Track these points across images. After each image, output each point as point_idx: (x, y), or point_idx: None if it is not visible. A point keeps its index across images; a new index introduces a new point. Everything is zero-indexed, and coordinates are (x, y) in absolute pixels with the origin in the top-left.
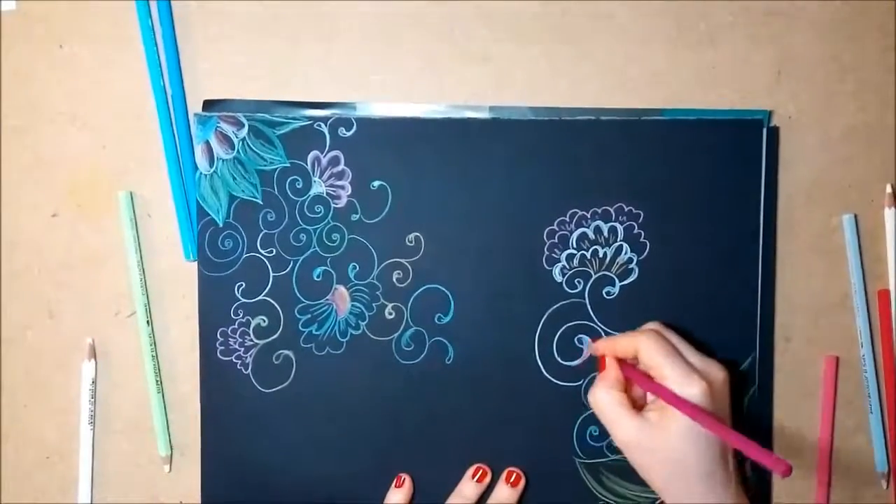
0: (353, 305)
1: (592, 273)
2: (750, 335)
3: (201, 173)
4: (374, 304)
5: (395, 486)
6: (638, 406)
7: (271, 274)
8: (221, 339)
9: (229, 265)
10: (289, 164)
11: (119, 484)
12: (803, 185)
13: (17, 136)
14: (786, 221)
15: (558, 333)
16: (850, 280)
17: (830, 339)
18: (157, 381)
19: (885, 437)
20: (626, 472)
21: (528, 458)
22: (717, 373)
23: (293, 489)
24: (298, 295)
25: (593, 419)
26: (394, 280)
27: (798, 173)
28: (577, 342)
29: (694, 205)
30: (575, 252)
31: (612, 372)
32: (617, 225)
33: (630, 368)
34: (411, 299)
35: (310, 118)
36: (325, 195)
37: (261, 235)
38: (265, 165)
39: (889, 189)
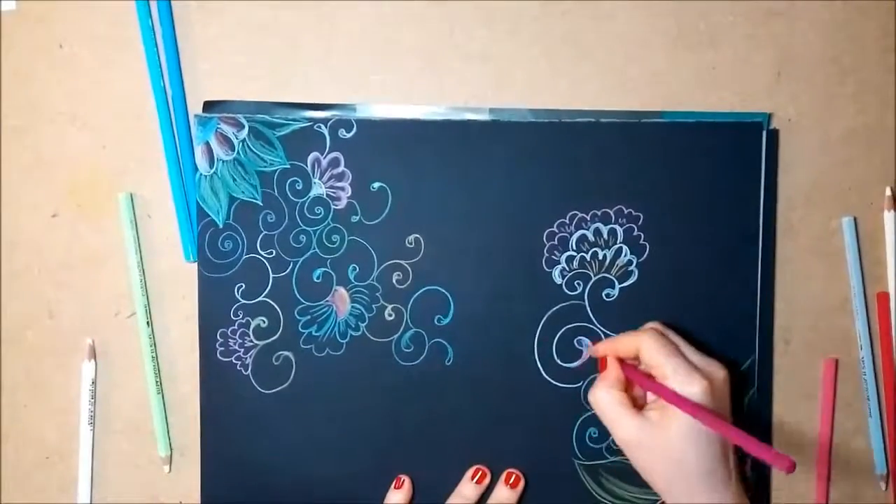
0: (352, 307)
1: (592, 275)
2: (749, 337)
3: (201, 174)
4: (373, 306)
5: (395, 487)
6: (639, 406)
7: (271, 275)
8: (221, 340)
9: (229, 266)
10: (289, 166)
11: (119, 484)
12: (803, 187)
13: (17, 136)
14: (785, 224)
15: (558, 335)
16: (849, 283)
17: (830, 341)
18: (156, 381)
19: (884, 440)
20: (626, 473)
21: (527, 460)
22: (718, 372)
23: (293, 490)
24: (298, 296)
25: (593, 421)
26: (394, 281)
27: (798, 176)
28: (576, 344)
29: (694, 207)
30: (574, 254)
31: (612, 372)
32: (617, 227)
33: (631, 368)
34: (411, 301)
35: (310, 119)
36: (325, 196)
37: (261, 237)
38: (265, 167)
39: (889, 192)
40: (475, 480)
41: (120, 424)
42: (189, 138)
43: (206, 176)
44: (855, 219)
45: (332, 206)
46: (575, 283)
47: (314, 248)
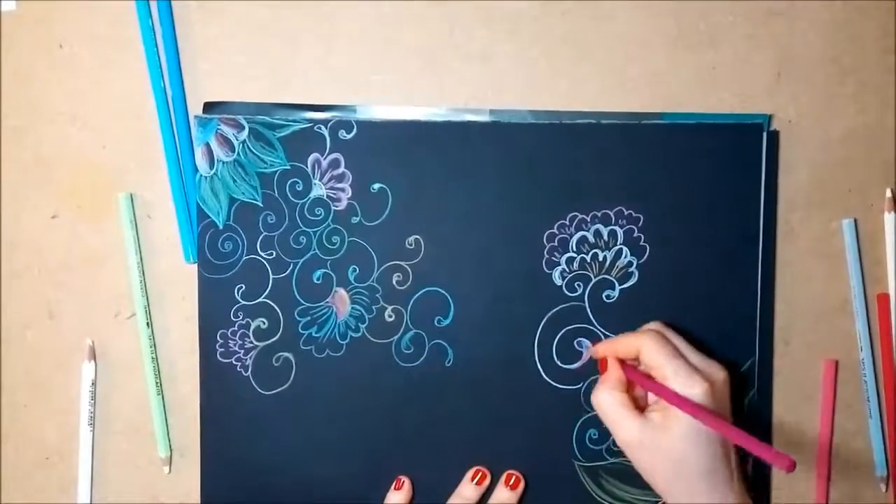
0: (352, 308)
1: (592, 276)
2: (749, 339)
3: (201, 175)
4: (373, 307)
5: (395, 488)
6: (640, 407)
7: (271, 276)
8: (221, 341)
9: (229, 267)
10: (289, 167)
11: (119, 485)
12: (803, 189)
13: (17, 136)
14: (785, 225)
15: (558, 337)
16: (849, 284)
17: (830, 342)
18: (156, 382)
19: (884, 441)
20: (626, 475)
21: (527, 461)
22: (718, 373)
23: (293, 491)
24: (298, 297)
25: (593, 422)
26: (394, 282)
27: (798, 177)
28: (576, 345)
29: (694, 208)
30: (575, 255)
31: (613, 373)
32: (617, 228)
33: (631, 369)
34: (411, 302)
35: (310, 121)
36: (325, 198)
37: (261, 238)
38: (265, 168)
39: (889, 193)
40: (475, 482)
41: (120, 425)
42: (189, 139)
43: (206, 177)
44: (855, 220)
45: (333, 208)
46: (575, 284)
47: (314, 250)
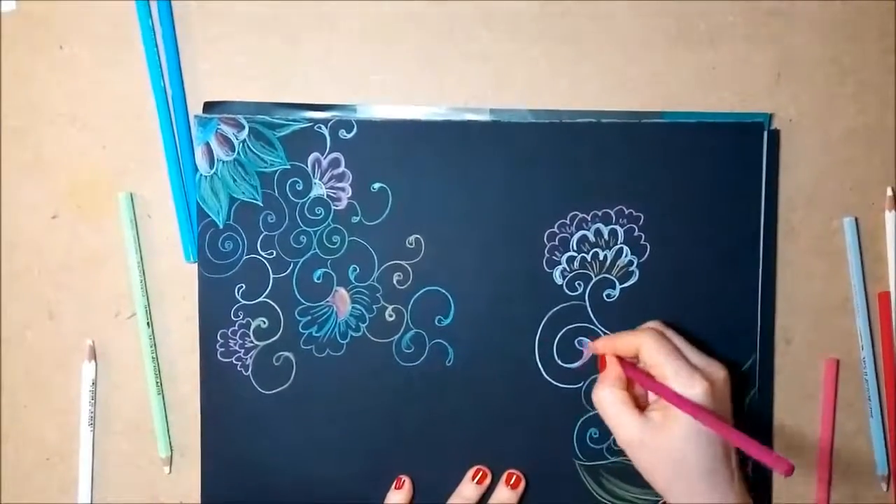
0: (353, 307)
1: (593, 275)
2: (750, 338)
3: (201, 175)
4: (374, 306)
5: (395, 488)
6: (640, 404)
7: (271, 276)
8: (221, 341)
9: (229, 267)
10: (289, 166)
11: (119, 485)
12: (804, 187)
13: (17, 136)
14: (786, 224)
15: (558, 336)
16: (850, 282)
17: (831, 341)
18: (157, 382)
19: (885, 440)
20: (627, 474)
21: (528, 460)
22: (718, 372)
23: (293, 490)
24: (299, 297)
25: (593, 421)
26: (394, 282)
27: (798, 176)
28: (577, 345)
29: (694, 207)
30: (575, 254)
31: (613, 370)
32: (617, 227)
33: (631, 368)
34: (412, 301)
35: (310, 120)
36: (325, 197)
37: (261, 237)
38: (265, 167)
39: (889, 192)
40: (476, 481)
41: (120, 425)
42: (189, 138)
43: (206, 176)
44: (856, 219)
45: (333, 207)
46: (576, 283)
47: (314, 249)
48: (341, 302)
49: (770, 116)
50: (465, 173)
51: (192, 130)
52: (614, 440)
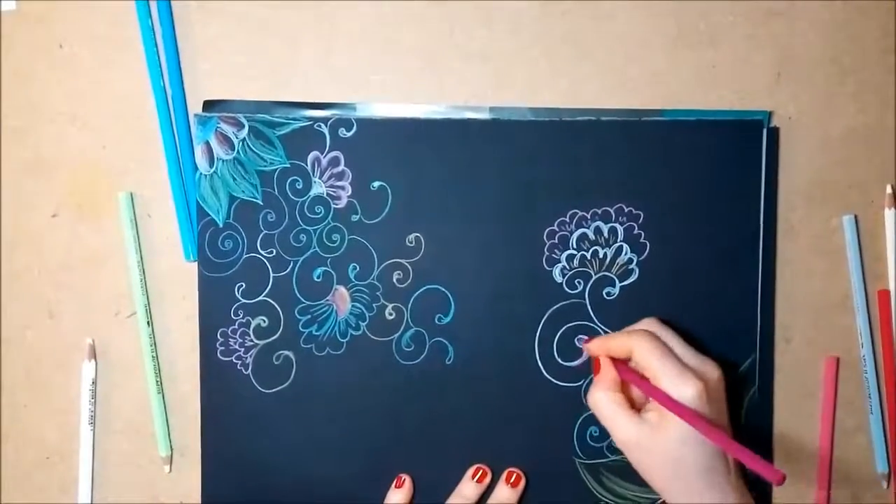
0: (353, 306)
1: (593, 273)
2: (750, 336)
3: (201, 174)
4: (374, 305)
5: (396, 487)
6: (637, 405)
7: (271, 274)
8: (221, 340)
9: (229, 266)
10: (289, 165)
11: (119, 484)
12: (803, 185)
13: (17, 136)
14: (786, 222)
15: (558, 334)
16: (850, 280)
17: (831, 339)
18: (157, 381)
19: (885, 438)
20: (627, 472)
21: (528, 459)
22: (712, 371)
23: (293, 489)
24: (298, 295)
25: (593, 419)
26: (394, 280)
27: (798, 174)
28: (577, 343)
29: (694, 205)
30: (575, 252)
31: (608, 373)
32: (617, 225)
33: (625, 369)
34: (411, 300)
35: (310, 119)
36: (325, 196)
37: (261, 236)
38: (265, 166)
39: (889, 190)
40: (476, 479)
41: (120, 424)
42: (189, 138)
43: (206, 175)
44: (855, 217)
45: (333, 206)
46: (575, 281)
47: (314, 248)
48: (341, 300)
49: (769, 114)
50: (464, 171)
51: (192, 129)
52: None
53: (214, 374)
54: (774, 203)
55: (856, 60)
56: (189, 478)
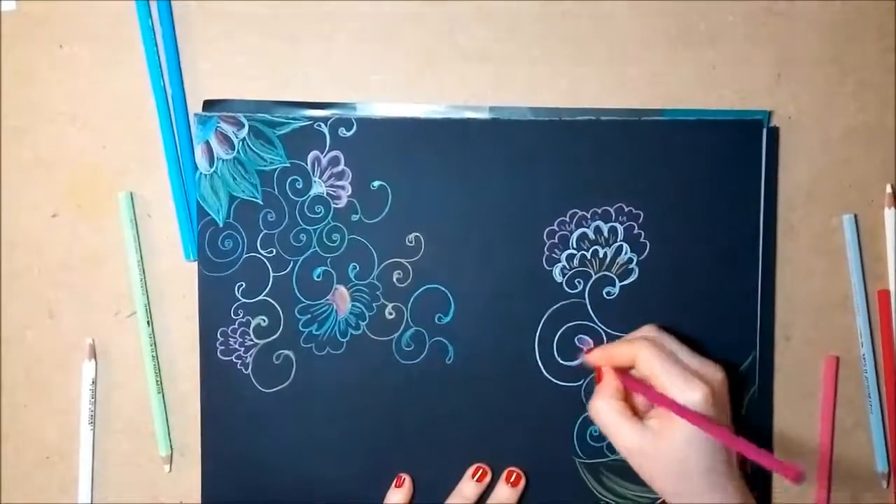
0: (353, 305)
1: (592, 273)
2: (750, 335)
3: (201, 173)
4: (374, 304)
5: (395, 486)
6: (639, 412)
7: (271, 274)
8: (221, 339)
9: (229, 265)
10: (289, 165)
11: (119, 484)
12: (803, 185)
13: (17, 136)
14: (786, 222)
15: (558, 333)
16: (850, 280)
17: (830, 338)
18: (157, 381)
19: (885, 437)
20: (627, 472)
21: (528, 458)
22: (716, 374)
23: (293, 489)
24: (298, 295)
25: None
26: (394, 280)
27: (798, 173)
28: (577, 342)
29: (694, 205)
30: (575, 252)
31: (610, 381)
32: (617, 225)
33: (629, 378)
34: (411, 299)
35: (310, 118)
36: (325, 195)
37: (261, 235)
38: (265, 165)
39: (889, 189)
40: (476, 479)
41: (120, 424)
42: (189, 138)
43: (206, 175)
44: (855, 216)
45: (333, 205)
46: (575, 281)
47: (314, 247)
48: (341, 300)
49: (769, 114)
50: (464, 171)
51: (192, 129)
52: None
53: (214, 374)
54: (774, 203)
55: (856, 60)
56: (189, 477)
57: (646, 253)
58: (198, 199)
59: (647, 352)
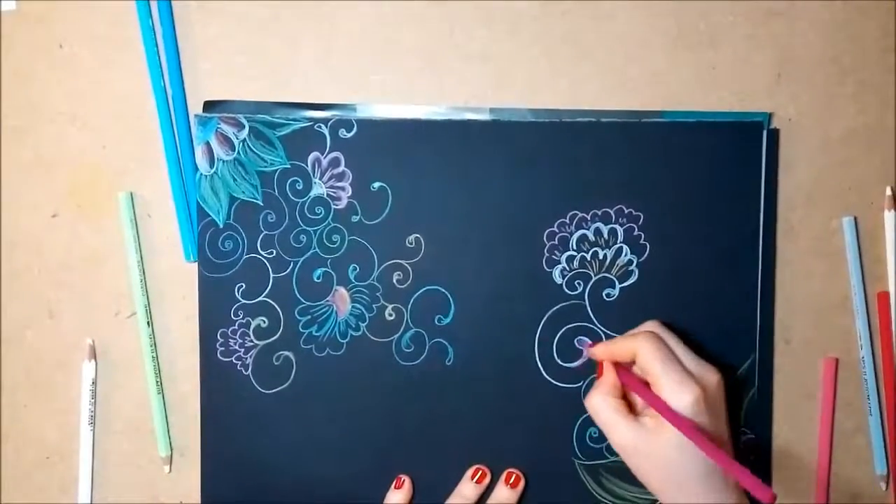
0: (353, 306)
1: (592, 275)
2: (750, 337)
3: (202, 174)
4: (374, 306)
5: (395, 487)
6: (637, 409)
7: (271, 275)
8: (221, 340)
9: (229, 266)
10: (289, 166)
11: (119, 484)
12: (803, 187)
13: (17, 136)
14: (786, 223)
15: (558, 335)
16: (849, 282)
17: (830, 340)
18: (157, 381)
19: (884, 439)
20: (626, 473)
21: (527, 460)
22: (712, 377)
23: (293, 490)
24: (298, 296)
25: (593, 421)
26: (394, 281)
27: (798, 175)
28: (576, 344)
29: (694, 207)
30: (575, 254)
31: (609, 378)
32: (617, 227)
33: (626, 375)
34: (411, 300)
35: (310, 119)
36: (325, 196)
37: (261, 236)
38: (265, 167)
39: (889, 191)
40: (475, 480)
41: (120, 424)
42: (189, 138)
43: (206, 176)
44: (855, 218)
45: (333, 206)
46: (575, 282)
47: (314, 248)
48: (341, 301)
49: (769, 116)
50: (464, 172)
51: (193, 130)
52: None
53: (214, 375)
54: (774, 204)
55: (856, 60)
56: (189, 478)
57: (646, 255)
58: (198, 199)
59: (647, 346)
